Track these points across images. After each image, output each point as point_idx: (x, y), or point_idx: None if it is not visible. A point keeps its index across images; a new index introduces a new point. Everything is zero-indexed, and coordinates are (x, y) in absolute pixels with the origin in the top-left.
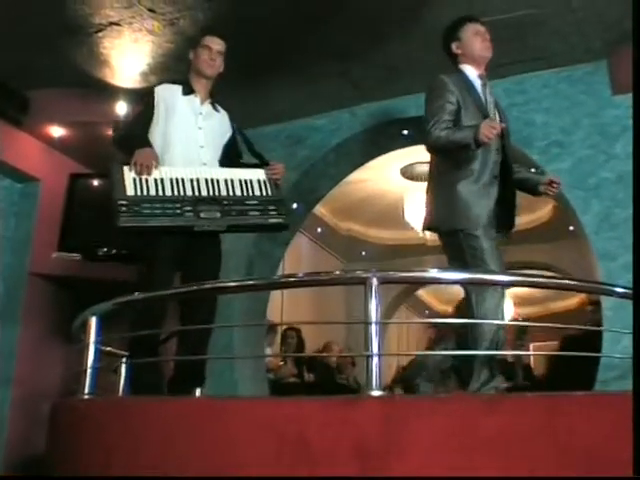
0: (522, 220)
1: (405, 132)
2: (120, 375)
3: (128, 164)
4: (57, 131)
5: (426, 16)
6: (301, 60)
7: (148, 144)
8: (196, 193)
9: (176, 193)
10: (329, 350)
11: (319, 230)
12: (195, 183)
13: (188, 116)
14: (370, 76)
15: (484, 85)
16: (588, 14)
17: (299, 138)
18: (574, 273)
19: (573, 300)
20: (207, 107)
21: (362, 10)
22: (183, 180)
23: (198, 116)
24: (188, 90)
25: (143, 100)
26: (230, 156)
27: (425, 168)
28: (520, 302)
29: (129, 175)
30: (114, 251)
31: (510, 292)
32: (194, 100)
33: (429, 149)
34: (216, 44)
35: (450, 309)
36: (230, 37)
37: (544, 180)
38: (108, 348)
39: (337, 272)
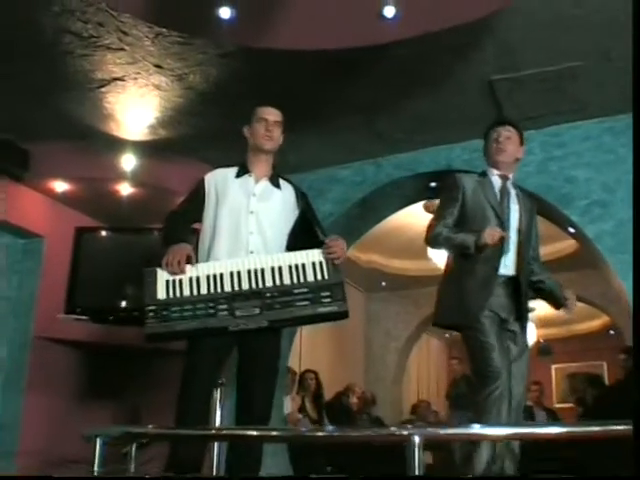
0: (547, 250)
1: (433, 184)
2: None
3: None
4: (61, 185)
5: (458, 71)
6: (323, 110)
7: (181, 240)
8: (235, 287)
9: (212, 290)
10: (351, 392)
11: None
12: (235, 277)
13: (239, 200)
14: (397, 128)
15: (503, 188)
16: (627, 64)
17: (321, 190)
18: (600, 302)
19: (597, 322)
20: (263, 186)
21: (391, 63)
22: (222, 275)
23: (251, 198)
24: (242, 171)
25: (192, 191)
26: (300, 239)
27: None
28: (543, 324)
29: (162, 277)
30: (124, 314)
31: (533, 315)
32: (248, 181)
33: (427, 242)
34: (272, 115)
35: None
36: (246, 90)
37: (565, 295)
38: None
39: (375, 431)
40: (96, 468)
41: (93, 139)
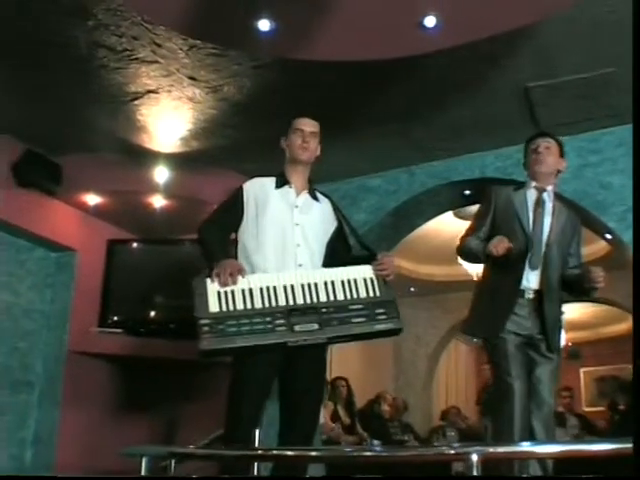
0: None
1: (467, 192)
2: None
3: (210, 276)
4: (93, 199)
5: (493, 78)
6: (356, 119)
7: (228, 255)
8: (290, 302)
9: (267, 304)
10: (383, 400)
11: None
12: (289, 290)
13: (282, 212)
14: (431, 136)
15: (538, 200)
16: None
17: (354, 199)
18: (628, 305)
19: (625, 325)
20: (304, 198)
21: (425, 71)
22: (275, 288)
23: (294, 210)
24: (282, 182)
25: (230, 200)
26: (337, 251)
27: (476, 209)
28: (571, 327)
29: (213, 289)
30: (157, 326)
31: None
32: (289, 192)
33: (458, 254)
34: (308, 126)
35: None
36: (280, 101)
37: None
38: None
39: (433, 450)
40: None
41: (126, 152)
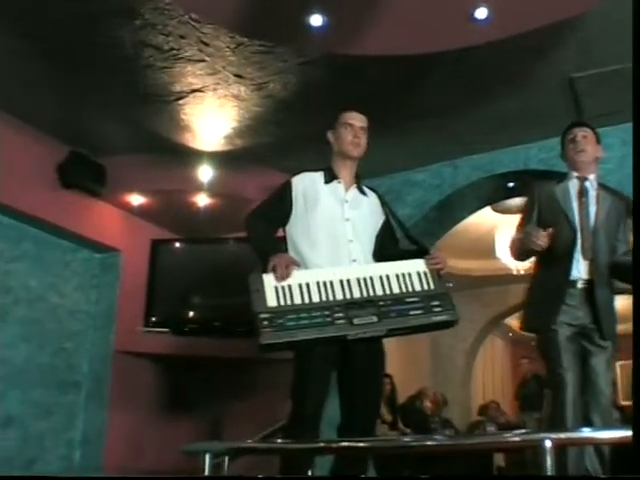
0: None
1: (510, 185)
2: None
3: (266, 271)
4: (137, 199)
5: (538, 70)
6: (400, 114)
7: (281, 249)
8: (347, 296)
9: (324, 298)
10: (424, 396)
11: None
12: (345, 284)
13: (333, 207)
14: (475, 129)
15: (581, 190)
16: None
17: (399, 194)
18: None
19: None
20: (353, 193)
21: (470, 64)
22: (332, 282)
23: (344, 205)
24: (330, 177)
25: (277, 194)
26: (385, 246)
27: (514, 202)
28: None
29: (270, 283)
30: (202, 325)
31: None
32: (338, 187)
33: (511, 254)
34: (359, 120)
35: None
36: (325, 97)
37: None
38: None
39: (503, 437)
40: None
41: (169, 151)
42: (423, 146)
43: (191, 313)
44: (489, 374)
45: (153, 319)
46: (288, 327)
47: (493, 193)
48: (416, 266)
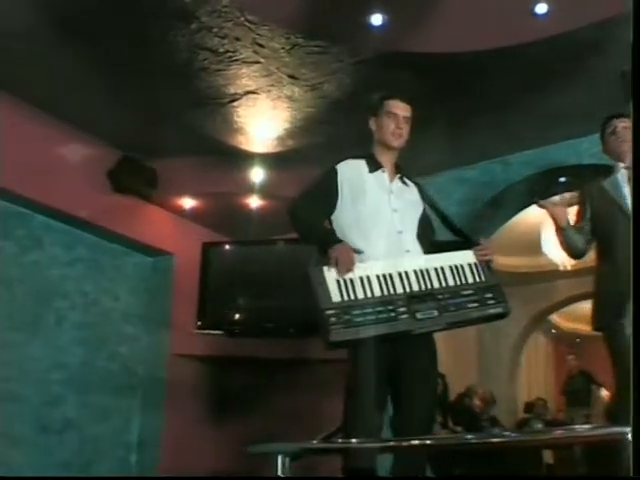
0: None
1: (562, 180)
2: None
3: (323, 264)
4: (188, 202)
5: (592, 64)
6: (452, 111)
7: (339, 239)
8: (407, 289)
9: (385, 292)
10: (473, 393)
11: None
12: (404, 277)
13: (380, 197)
14: (526, 125)
15: (630, 179)
16: None
17: (448, 192)
18: None
19: None
20: (397, 183)
21: (524, 60)
22: (391, 275)
23: (390, 196)
24: (375, 166)
25: (323, 182)
26: (423, 235)
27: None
28: None
29: (331, 277)
30: (254, 326)
31: None
32: (382, 177)
33: (562, 249)
34: (402, 110)
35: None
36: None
37: None
38: None
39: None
40: None
41: (221, 154)
42: (475, 143)
43: (242, 315)
44: (534, 371)
45: (206, 321)
46: (356, 323)
47: (544, 189)
48: (466, 257)
